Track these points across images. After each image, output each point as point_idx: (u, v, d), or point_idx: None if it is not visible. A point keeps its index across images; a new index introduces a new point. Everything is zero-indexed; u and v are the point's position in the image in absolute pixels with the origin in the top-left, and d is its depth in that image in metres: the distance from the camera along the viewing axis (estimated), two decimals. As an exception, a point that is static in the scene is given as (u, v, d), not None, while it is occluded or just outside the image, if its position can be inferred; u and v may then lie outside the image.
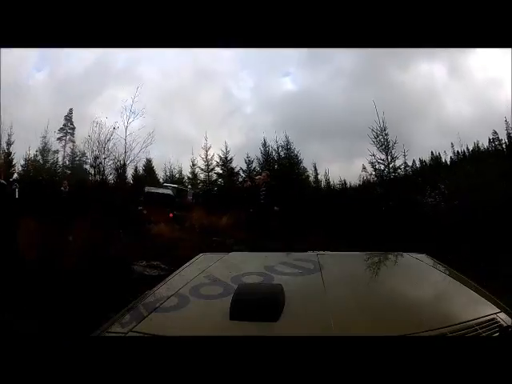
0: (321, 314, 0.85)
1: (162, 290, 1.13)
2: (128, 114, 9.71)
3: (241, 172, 12.19)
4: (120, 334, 0.84)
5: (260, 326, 0.80)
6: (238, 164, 12.29)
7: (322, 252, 1.45)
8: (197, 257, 1.51)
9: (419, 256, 1.37)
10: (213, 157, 12.39)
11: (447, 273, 1.20)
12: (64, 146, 13.21)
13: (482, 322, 0.81)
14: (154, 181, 12.66)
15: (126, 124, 9.49)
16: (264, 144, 11.77)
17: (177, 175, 14.12)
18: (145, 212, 8.59)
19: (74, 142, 13.41)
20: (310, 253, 1.49)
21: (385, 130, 5.50)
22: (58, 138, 13.10)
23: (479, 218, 4.76)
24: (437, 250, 1.76)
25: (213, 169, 12.50)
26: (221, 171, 12.51)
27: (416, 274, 1.27)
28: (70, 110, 13.91)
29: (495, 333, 0.77)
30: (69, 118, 13.77)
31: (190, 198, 11.89)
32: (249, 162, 12.20)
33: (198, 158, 12.41)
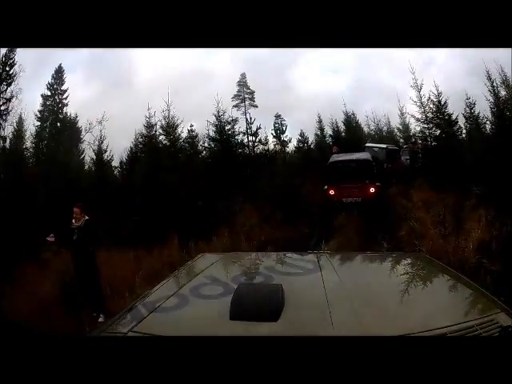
0: (321, 314, 0.85)
1: (162, 290, 1.12)
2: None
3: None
4: (120, 334, 0.84)
5: (260, 326, 0.80)
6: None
7: (321, 252, 1.45)
8: (197, 257, 1.50)
9: (418, 256, 1.37)
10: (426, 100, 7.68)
11: (446, 272, 1.20)
12: (244, 113, 11.21)
13: (482, 322, 0.80)
14: (358, 140, 9.75)
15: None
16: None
17: (384, 128, 10.26)
18: (331, 193, 6.27)
19: (256, 106, 11.67)
20: (309, 253, 1.49)
21: None
22: (235, 106, 11.38)
23: None
24: None
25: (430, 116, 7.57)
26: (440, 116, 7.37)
27: (415, 274, 1.27)
28: (243, 74, 12.15)
29: (495, 333, 0.77)
30: (243, 83, 11.98)
31: (404, 158, 8.32)
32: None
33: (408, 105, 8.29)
